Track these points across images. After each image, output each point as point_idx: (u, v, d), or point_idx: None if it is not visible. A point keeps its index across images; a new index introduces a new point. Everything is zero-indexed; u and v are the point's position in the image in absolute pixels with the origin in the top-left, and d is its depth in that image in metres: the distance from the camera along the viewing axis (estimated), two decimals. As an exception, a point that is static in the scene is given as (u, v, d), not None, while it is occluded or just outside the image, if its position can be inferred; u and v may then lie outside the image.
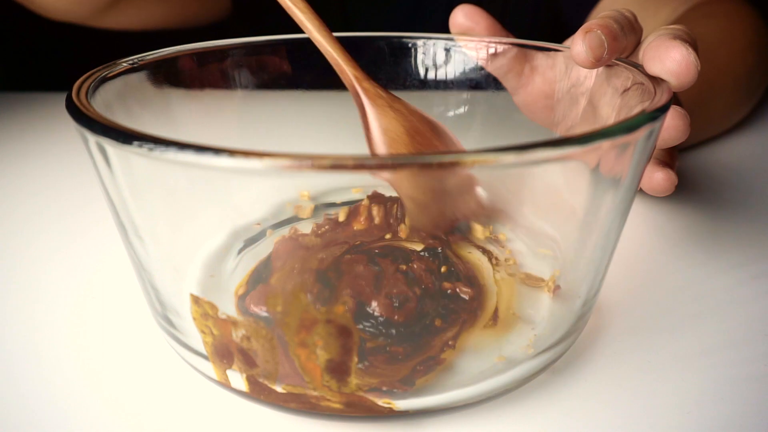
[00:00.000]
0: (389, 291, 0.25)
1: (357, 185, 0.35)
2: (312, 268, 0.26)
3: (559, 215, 0.27)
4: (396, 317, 0.24)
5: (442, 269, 0.27)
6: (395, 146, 0.29)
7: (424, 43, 0.35)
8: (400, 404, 0.21)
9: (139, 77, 0.28)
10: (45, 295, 0.30)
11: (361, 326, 0.23)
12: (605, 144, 0.19)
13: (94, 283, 0.31)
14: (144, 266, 0.23)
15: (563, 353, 0.24)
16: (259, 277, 0.27)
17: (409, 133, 0.28)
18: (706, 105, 0.44)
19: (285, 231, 0.31)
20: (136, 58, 0.28)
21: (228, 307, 0.25)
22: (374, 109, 0.29)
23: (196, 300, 0.22)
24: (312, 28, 0.30)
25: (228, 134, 0.33)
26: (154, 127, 0.20)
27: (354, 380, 0.21)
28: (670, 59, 0.24)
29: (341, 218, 0.30)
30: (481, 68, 0.35)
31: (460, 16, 0.34)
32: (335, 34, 0.36)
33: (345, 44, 0.36)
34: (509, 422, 0.22)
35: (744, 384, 0.24)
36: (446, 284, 0.26)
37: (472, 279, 0.27)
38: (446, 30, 0.35)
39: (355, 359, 0.21)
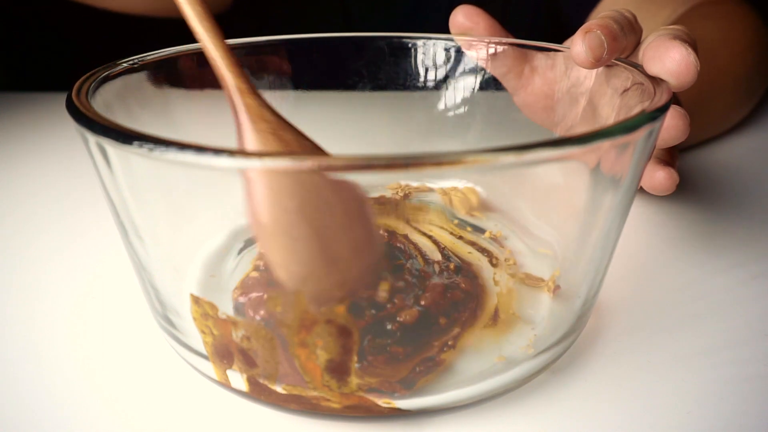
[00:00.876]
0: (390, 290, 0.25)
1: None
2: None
3: (559, 215, 0.27)
4: (397, 316, 0.24)
5: (443, 267, 0.27)
6: None
7: (424, 43, 0.35)
8: (401, 404, 0.21)
9: (139, 77, 0.28)
10: (45, 295, 0.30)
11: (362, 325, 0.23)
12: (605, 144, 0.19)
13: (94, 283, 0.31)
14: (144, 266, 0.23)
15: (563, 353, 0.24)
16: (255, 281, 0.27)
17: None
18: (706, 105, 0.44)
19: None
20: (136, 58, 0.28)
21: (228, 308, 0.25)
22: (253, 135, 0.23)
23: (196, 300, 0.22)
24: (193, 17, 0.24)
25: (228, 134, 0.33)
26: (154, 127, 0.20)
27: (354, 380, 0.21)
28: (669, 59, 0.24)
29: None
30: (481, 68, 0.35)
31: (460, 17, 0.34)
32: (335, 34, 0.36)
33: (345, 44, 0.36)
34: (509, 422, 0.22)
35: (744, 384, 0.24)
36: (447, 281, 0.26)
37: (472, 279, 0.27)
38: (446, 30, 0.35)
39: (355, 359, 0.21)
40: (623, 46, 0.27)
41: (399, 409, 0.21)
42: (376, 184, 0.36)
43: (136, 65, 0.28)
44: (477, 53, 0.34)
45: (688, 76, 0.24)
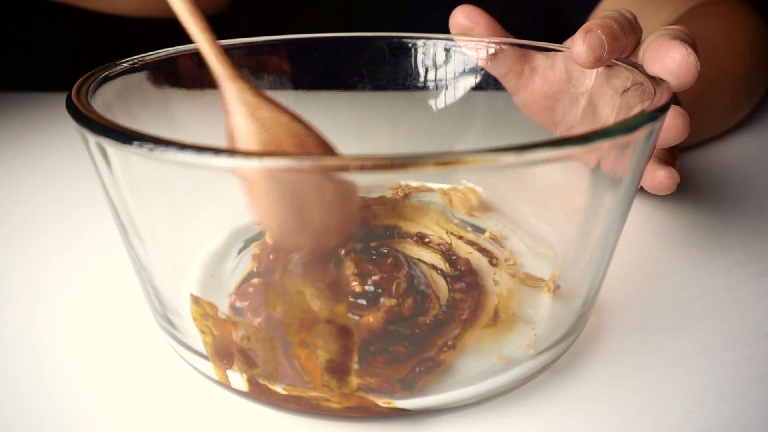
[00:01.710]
0: (392, 289, 0.25)
1: (359, 185, 0.35)
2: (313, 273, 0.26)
3: (559, 215, 0.27)
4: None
5: (445, 268, 0.27)
6: None
7: (424, 43, 0.35)
8: (400, 404, 0.21)
9: (139, 77, 0.28)
10: (45, 295, 0.30)
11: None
12: (605, 144, 0.19)
13: (94, 283, 0.31)
14: (144, 266, 0.23)
15: (563, 353, 0.24)
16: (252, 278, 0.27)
17: (266, 147, 0.24)
18: (705, 105, 0.44)
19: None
20: (136, 58, 0.28)
21: (226, 309, 0.25)
22: (232, 118, 0.25)
23: (196, 300, 0.22)
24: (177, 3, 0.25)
25: (228, 134, 0.33)
26: (154, 127, 0.20)
27: (354, 380, 0.21)
28: (669, 59, 0.24)
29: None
30: (481, 68, 0.35)
31: (460, 17, 0.34)
32: (335, 34, 0.36)
33: (345, 44, 0.36)
34: (509, 422, 0.22)
35: (744, 384, 0.24)
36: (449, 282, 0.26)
37: (472, 279, 0.27)
38: (446, 30, 0.35)
39: (356, 359, 0.21)
40: (623, 46, 0.27)
41: (399, 409, 0.21)
42: (376, 184, 0.36)
43: (136, 65, 0.28)
44: (477, 53, 0.34)
45: (689, 76, 0.24)
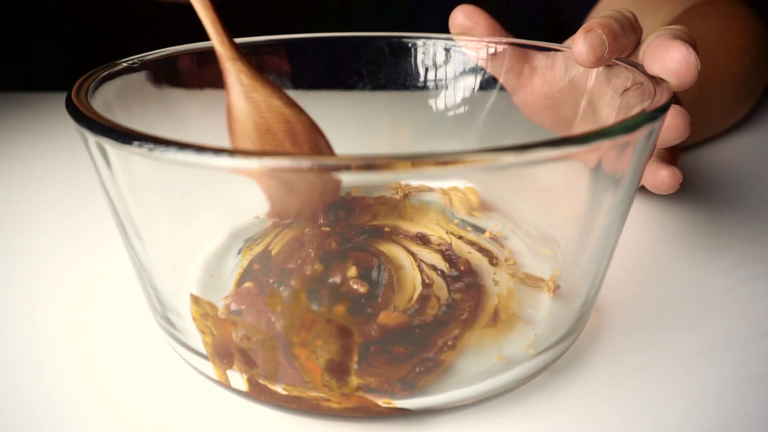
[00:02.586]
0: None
1: (358, 185, 0.35)
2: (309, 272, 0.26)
3: (559, 215, 0.27)
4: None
5: (445, 268, 0.27)
6: (243, 140, 0.28)
7: (424, 43, 0.35)
8: (400, 404, 0.21)
9: (139, 77, 0.28)
10: (45, 295, 0.30)
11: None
12: (605, 144, 0.19)
13: (94, 283, 0.31)
14: (144, 266, 0.23)
15: (563, 353, 0.24)
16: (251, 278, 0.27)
17: (257, 129, 0.26)
18: (705, 105, 0.44)
19: (288, 230, 0.31)
20: (136, 58, 0.28)
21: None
22: (230, 96, 0.27)
23: (196, 300, 0.22)
24: None
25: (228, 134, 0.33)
26: (154, 127, 0.20)
27: (354, 380, 0.21)
28: (670, 59, 0.24)
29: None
30: (481, 68, 0.35)
31: (459, 16, 0.34)
32: (335, 34, 0.36)
33: (345, 44, 0.36)
34: (509, 422, 0.22)
35: (744, 384, 0.24)
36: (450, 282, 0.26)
37: (472, 279, 0.27)
38: (446, 30, 0.35)
39: (356, 359, 0.21)
40: (624, 45, 0.27)
41: (399, 409, 0.21)
42: (376, 184, 0.36)
43: (136, 65, 0.28)
44: (477, 53, 0.34)
45: (689, 76, 0.24)
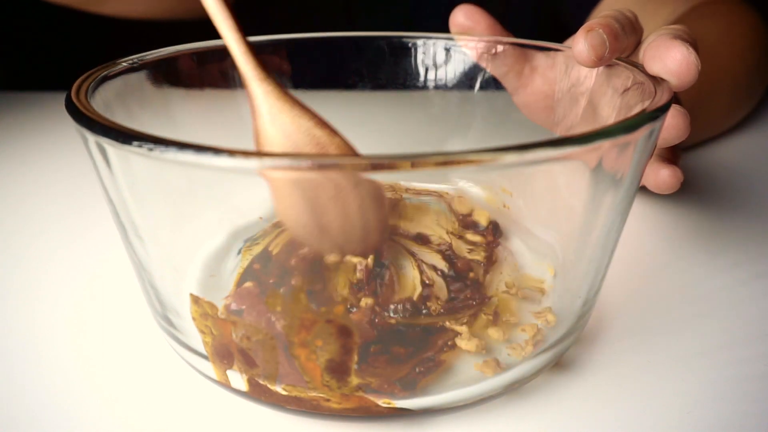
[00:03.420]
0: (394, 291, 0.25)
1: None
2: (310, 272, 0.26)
3: (559, 215, 0.27)
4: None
5: (445, 268, 0.27)
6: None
7: (424, 43, 0.35)
8: (400, 404, 0.21)
9: (139, 77, 0.28)
10: (45, 295, 0.30)
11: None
12: (605, 144, 0.19)
13: (94, 283, 0.31)
14: (144, 266, 0.23)
15: (563, 353, 0.24)
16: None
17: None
18: (706, 105, 0.44)
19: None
20: (136, 58, 0.28)
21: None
22: (257, 121, 0.25)
23: (196, 300, 0.22)
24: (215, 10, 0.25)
25: (228, 134, 0.33)
26: (154, 127, 0.20)
27: (354, 380, 0.21)
28: (670, 59, 0.24)
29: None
30: (481, 68, 0.35)
31: (460, 16, 0.34)
32: (335, 34, 0.36)
33: (345, 44, 0.36)
34: (509, 422, 0.22)
35: (744, 384, 0.24)
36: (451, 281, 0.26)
37: (471, 279, 0.27)
38: (446, 30, 0.35)
39: (356, 359, 0.21)
40: (624, 45, 0.27)
41: (399, 409, 0.21)
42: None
43: (136, 65, 0.28)
44: (477, 53, 0.34)
45: (689, 76, 0.24)
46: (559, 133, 0.33)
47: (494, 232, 0.32)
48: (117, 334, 0.27)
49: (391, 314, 0.24)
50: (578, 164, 0.20)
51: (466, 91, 0.36)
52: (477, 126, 0.36)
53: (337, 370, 0.20)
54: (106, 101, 0.24)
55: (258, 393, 0.21)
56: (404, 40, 0.35)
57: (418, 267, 0.28)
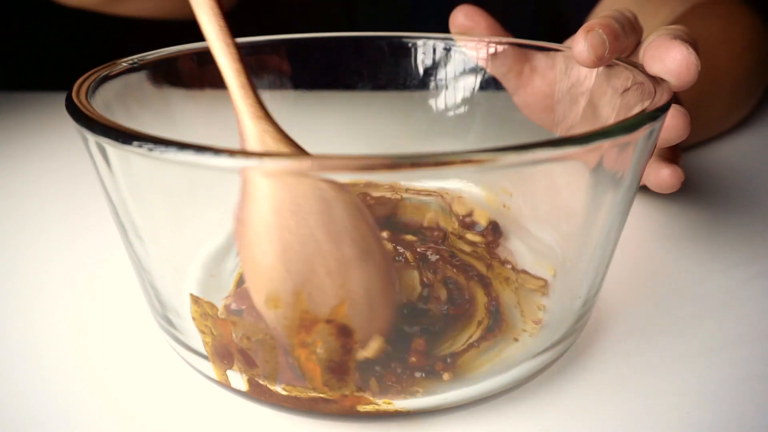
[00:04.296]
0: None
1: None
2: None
3: (559, 215, 0.27)
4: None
5: (446, 269, 0.27)
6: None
7: (424, 43, 0.35)
8: (400, 404, 0.21)
9: (139, 77, 0.28)
10: (45, 295, 0.30)
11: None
12: (605, 144, 0.19)
13: (94, 283, 0.31)
14: (144, 266, 0.23)
15: (563, 353, 0.24)
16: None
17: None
18: (705, 105, 0.44)
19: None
20: (136, 58, 0.28)
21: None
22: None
23: (196, 300, 0.22)
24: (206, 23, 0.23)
25: (228, 134, 0.33)
26: (154, 127, 0.20)
27: (354, 380, 0.21)
28: (670, 59, 0.24)
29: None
30: (481, 68, 0.35)
31: (460, 16, 0.34)
32: (335, 34, 0.36)
33: (345, 44, 0.36)
34: (509, 422, 0.22)
35: (744, 384, 0.24)
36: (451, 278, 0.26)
37: (471, 279, 0.27)
38: (446, 30, 0.35)
39: (356, 359, 0.20)
40: (624, 45, 0.27)
41: (399, 410, 0.21)
42: (376, 184, 0.36)
43: (136, 65, 0.28)
44: (477, 53, 0.34)
45: (689, 76, 0.24)
46: (559, 133, 0.33)
47: (494, 232, 0.32)
48: (117, 334, 0.27)
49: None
50: (578, 164, 0.20)
51: (466, 91, 0.36)
52: (477, 126, 0.36)
53: (337, 370, 0.20)
54: (106, 101, 0.24)
55: (258, 393, 0.21)
56: (404, 40, 0.35)
57: (418, 267, 0.28)
